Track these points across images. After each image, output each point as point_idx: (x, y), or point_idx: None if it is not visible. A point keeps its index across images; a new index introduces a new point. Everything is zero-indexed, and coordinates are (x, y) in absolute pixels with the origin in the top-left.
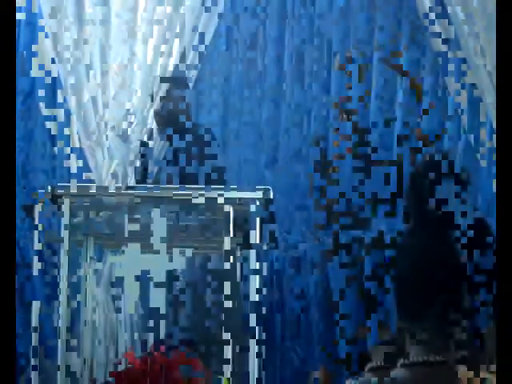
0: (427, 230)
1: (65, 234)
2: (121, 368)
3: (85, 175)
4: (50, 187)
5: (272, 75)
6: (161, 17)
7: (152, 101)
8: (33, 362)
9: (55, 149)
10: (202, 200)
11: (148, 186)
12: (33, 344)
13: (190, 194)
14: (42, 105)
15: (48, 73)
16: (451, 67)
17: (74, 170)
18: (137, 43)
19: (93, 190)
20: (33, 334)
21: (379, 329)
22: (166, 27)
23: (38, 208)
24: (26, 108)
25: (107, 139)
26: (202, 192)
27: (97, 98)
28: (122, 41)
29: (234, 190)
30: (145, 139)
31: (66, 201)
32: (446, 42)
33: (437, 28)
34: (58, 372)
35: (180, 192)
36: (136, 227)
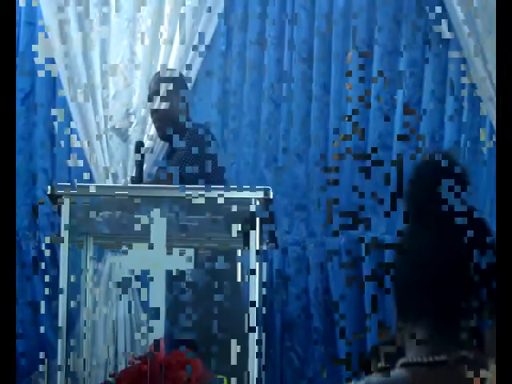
0: (427, 230)
1: (65, 233)
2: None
3: (85, 175)
4: (49, 187)
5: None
6: (161, 16)
7: (150, 101)
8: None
9: (55, 149)
10: (201, 200)
11: (148, 186)
12: (60, 344)
13: (190, 194)
14: (41, 105)
15: (48, 73)
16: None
17: (73, 170)
18: (137, 42)
19: (93, 190)
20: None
21: (379, 329)
22: (167, 27)
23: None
24: (26, 108)
25: (107, 139)
26: (202, 192)
27: (97, 97)
28: (122, 40)
29: (234, 189)
30: (144, 139)
31: (66, 201)
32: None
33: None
34: (58, 372)
35: (180, 192)
36: (136, 227)
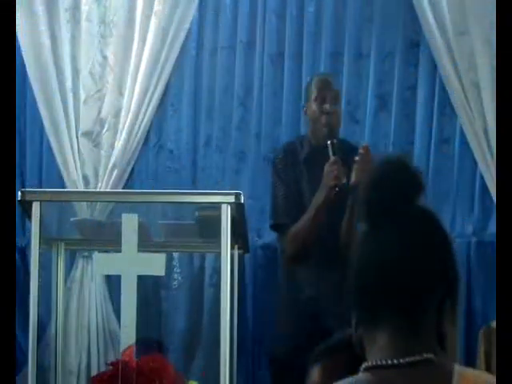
0: (387, 231)
1: (34, 238)
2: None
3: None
4: (19, 192)
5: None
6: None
7: None
8: (30, 362)
9: (27, 153)
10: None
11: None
12: (30, 344)
13: (182, 193)
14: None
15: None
16: (451, 67)
17: (45, 175)
18: (108, 47)
19: (65, 195)
20: (30, 335)
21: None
22: (140, 29)
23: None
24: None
25: (78, 144)
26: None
27: (68, 102)
28: (92, 44)
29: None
30: (116, 144)
31: (36, 205)
32: (445, 41)
33: (436, 28)
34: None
35: (163, 195)
36: (111, 231)
